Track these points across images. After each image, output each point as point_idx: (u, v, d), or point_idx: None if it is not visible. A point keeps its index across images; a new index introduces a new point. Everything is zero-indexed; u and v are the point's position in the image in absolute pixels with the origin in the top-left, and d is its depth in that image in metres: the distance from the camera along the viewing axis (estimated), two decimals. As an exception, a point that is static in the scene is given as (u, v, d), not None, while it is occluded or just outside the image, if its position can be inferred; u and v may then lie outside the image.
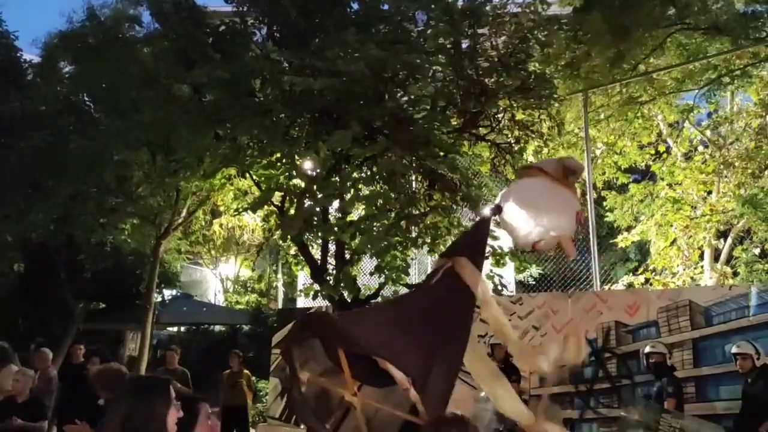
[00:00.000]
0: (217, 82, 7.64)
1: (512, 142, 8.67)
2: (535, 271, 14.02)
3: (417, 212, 7.25)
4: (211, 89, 8.25)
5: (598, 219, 11.66)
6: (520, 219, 3.59)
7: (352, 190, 7.11)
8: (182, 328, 18.56)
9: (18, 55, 11.51)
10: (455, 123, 8.01)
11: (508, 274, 11.67)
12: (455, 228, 7.24)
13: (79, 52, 10.59)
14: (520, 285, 14.69)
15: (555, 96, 8.50)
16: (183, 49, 8.34)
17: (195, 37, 7.99)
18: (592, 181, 11.05)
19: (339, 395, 3.58)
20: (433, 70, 7.13)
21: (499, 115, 8.58)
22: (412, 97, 7.06)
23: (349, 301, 9.18)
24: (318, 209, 7.49)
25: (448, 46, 7.58)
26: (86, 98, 11.20)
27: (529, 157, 9.67)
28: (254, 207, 8.08)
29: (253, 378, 11.82)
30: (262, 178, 8.25)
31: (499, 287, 7.49)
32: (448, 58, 7.73)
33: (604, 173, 12.98)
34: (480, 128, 8.72)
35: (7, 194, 9.61)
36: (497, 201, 3.74)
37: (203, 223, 11.99)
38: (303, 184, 7.44)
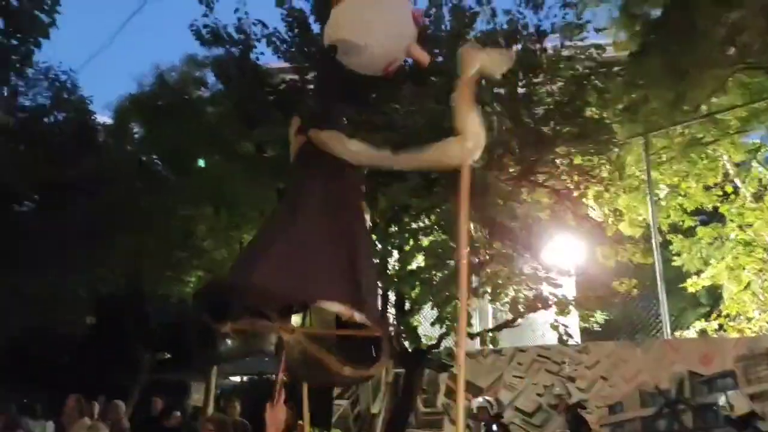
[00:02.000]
0: (278, 140, 7.88)
1: (571, 188, 8.60)
2: (600, 317, 13.64)
3: (477, 261, 7.20)
4: (272, 146, 8.51)
5: (666, 263, 11.30)
6: (358, 48, 3.31)
7: (411, 241, 7.14)
8: (245, 378, 18.68)
9: (92, 118, 12.15)
10: (513, 171, 8.00)
11: (573, 322, 11.37)
12: (516, 276, 7.15)
13: (149, 114, 11.13)
14: (586, 332, 14.28)
15: (614, 140, 8.42)
16: (245, 109, 8.65)
17: (256, 97, 8.29)
18: (657, 224, 10.78)
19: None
20: (489, 120, 7.14)
21: (558, 161, 8.53)
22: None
23: (410, 351, 9.14)
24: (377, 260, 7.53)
25: (504, 94, 7.65)
26: (155, 158, 11.69)
27: (590, 202, 9.53)
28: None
29: (314, 429, 11.76)
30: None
31: (565, 337, 7.30)
32: (504, 107, 7.79)
33: (668, 216, 12.61)
34: (538, 175, 8.69)
35: (79, 250, 10.01)
36: (326, 40, 3.47)
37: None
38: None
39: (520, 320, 8.40)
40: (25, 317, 11.27)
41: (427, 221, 7.46)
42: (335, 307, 2.98)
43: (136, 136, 11.77)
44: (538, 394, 9.80)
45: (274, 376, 15.15)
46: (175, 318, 14.84)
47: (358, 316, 2.98)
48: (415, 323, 8.51)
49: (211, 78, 10.79)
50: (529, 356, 10.14)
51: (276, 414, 3.32)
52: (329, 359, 3.39)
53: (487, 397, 8.09)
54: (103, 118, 12.41)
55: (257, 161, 8.91)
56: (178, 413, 8.64)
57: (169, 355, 15.34)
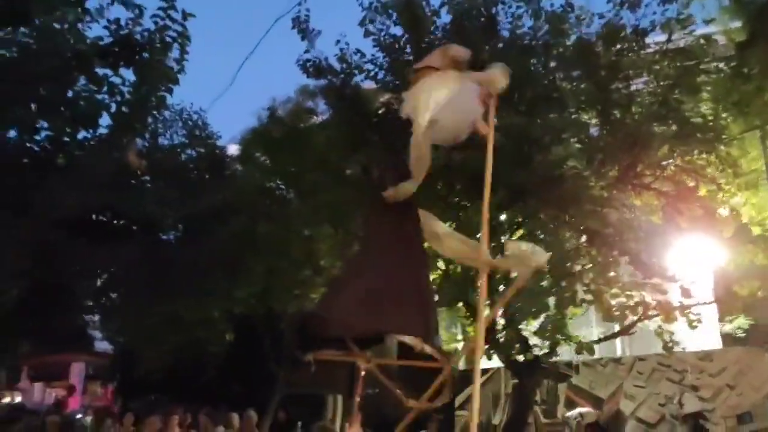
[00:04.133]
0: (378, 162, 8.33)
1: (679, 189, 8.30)
2: (744, 321, 12.77)
3: (576, 270, 7.17)
4: (375, 168, 8.98)
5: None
6: (433, 124, 3.76)
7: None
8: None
9: (221, 152, 13.30)
10: (613, 175, 7.89)
11: (712, 326, 10.76)
12: (615, 284, 7.04)
13: (269, 144, 12.05)
14: (729, 338, 13.41)
15: (723, 137, 8.04)
16: (348, 134, 9.22)
17: (356, 123, 8.78)
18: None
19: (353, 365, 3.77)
20: (578, 128, 7.14)
21: (665, 162, 8.29)
22: (559, 157, 7.11)
23: (522, 361, 9.18)
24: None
25: (597, 100, 7.60)
26: (278, 184, 12.61)
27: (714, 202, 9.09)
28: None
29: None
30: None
31: (670, 344, 7.06)
32: (597, 112, 7.74)
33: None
34: (644, 177, 8.47)
35: (213, 275, 10.97)
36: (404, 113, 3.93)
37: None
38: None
39: (635, 328, 8.23)
40: (176, 339, 12.47)
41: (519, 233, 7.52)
42: (407, 339, 3.38)
43: (261, 165, 12.73)
44: (660, 404, 9.44)
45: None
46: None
47: (429, 349, 3.37)
48: (526, 333, 8.54)
49: (322, 106, 11.51)
50: (649, 365, 9.79)
51: None
52: (396, 390, 3.79)
53: (580, 410, 7.96)
54: (231, 150, 13.57)
55: (363, 183, 9.41)
56: (299, 423, 9.26)
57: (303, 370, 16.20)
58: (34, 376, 28.48)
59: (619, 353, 11.38)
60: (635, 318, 7.26)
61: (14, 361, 22.08)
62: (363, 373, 3.87)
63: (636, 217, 7.89)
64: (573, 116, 7.27)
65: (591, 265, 7.27)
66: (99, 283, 10.22)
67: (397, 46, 8.95)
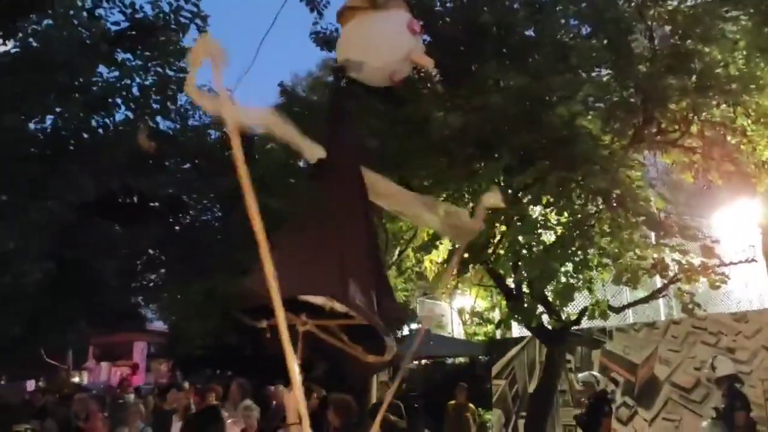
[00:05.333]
0: (392, 132, 8.22)
1: (710, 143, 7.90)
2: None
3: (589, 234, 6.93)
4: (390, 138, 8.85)
5: None
6: (359, 65, 3.58)
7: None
8: (423, 362, 19.35)
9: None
10: (629, 133, 7.56)
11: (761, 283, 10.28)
12: (631, 244, 6.75)
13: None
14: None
15: (752, 86, 7.57)
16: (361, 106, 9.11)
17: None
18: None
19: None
20: (588, 86, 6.83)
21: (691, 116, 7.88)
22: (569, 116, 6.82)
23: (550, 328, 9.00)
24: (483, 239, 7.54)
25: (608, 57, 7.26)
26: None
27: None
28: (424, 248, 8.49)
29: (478, 409, 11.99)
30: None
31: (690, 306, 6.76)
32: (611, 67, 7.41)
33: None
34: (668, 134, 8.09)
35: (245, 250, 11.14)
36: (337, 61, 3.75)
37: (414, 261, 12.62)
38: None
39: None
40: (218, 315, 12.77)
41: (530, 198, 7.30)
42: (317, 300, 3.27)
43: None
44: (696, 368, 9.12)
45: (449, 359, 15.62)
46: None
47: (339, 306, 3.25)
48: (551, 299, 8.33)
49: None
50: (684, 328, 9.45)
51: (292, 398, 3.67)
52: (355, 348, 3.69)
53: (593, 372, 7.77)
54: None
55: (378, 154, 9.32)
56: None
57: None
58: (100, 356, 29.92)
59: (663, 318, 11.02)
60: (665, 281, 6.97)
61: (79, 342, 23.09)
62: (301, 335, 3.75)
63: (658, 176, 7.57)
64: (582, 74, 6.96)
65: (608, 228, 7.00)
66: (139, 264, 10.51)
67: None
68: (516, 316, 8.80)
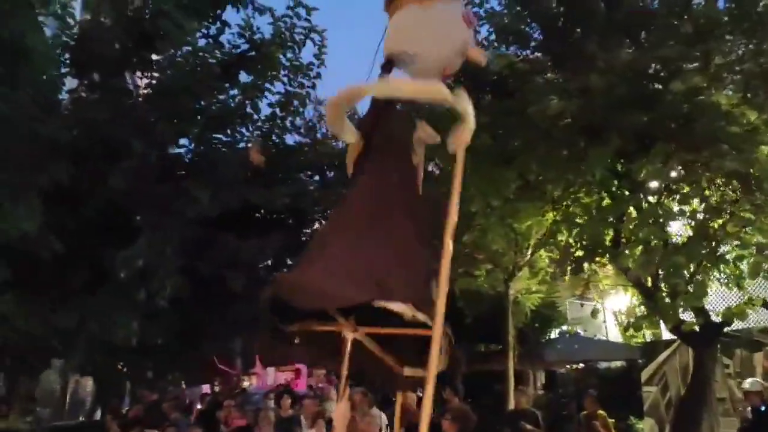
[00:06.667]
0: (500, 125, 7.84)
1: None
2: None
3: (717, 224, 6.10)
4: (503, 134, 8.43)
5: None
6: (411, 58, 3.34)
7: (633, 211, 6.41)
8: (576, 366, 18.37)
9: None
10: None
11: None
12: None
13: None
14: None
15: None
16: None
17: (477, 81, 8.28)
18: None
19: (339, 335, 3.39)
20: (699, 53, 6.02)
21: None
22: (686, 91, 6.04)
23: (697, 329, 8.07)
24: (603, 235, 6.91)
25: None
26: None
27: None
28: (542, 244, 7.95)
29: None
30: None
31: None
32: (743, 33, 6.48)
33: None
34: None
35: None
36: (383, 54, 3.44)
37: (547, 261, 11.95)
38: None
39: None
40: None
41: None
42: (397, 306, 3.02)
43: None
44: None
45: (600, 364, 14.77)
46: (491, 311, 15.43)
47: (422, 317, 3.00)
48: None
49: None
50: None
51: (341, 410, 3.49)
52: (389, 359, 3.45)
53: (757, 379, 6.71)
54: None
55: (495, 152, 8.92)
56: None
57: (484, 348, 16.00)
58: (266, 362, 31.73)
59: None
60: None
61: (249, 351, 24.65)
62: (350, 343, 3.51)
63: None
64: (696, 44, 6.12)
65: (747, 216, 6.11)
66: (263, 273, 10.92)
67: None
68: (656, 318, 8.03)
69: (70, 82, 9.56)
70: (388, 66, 3.56)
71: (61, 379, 16.94)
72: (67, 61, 9.33)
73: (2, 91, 7.23)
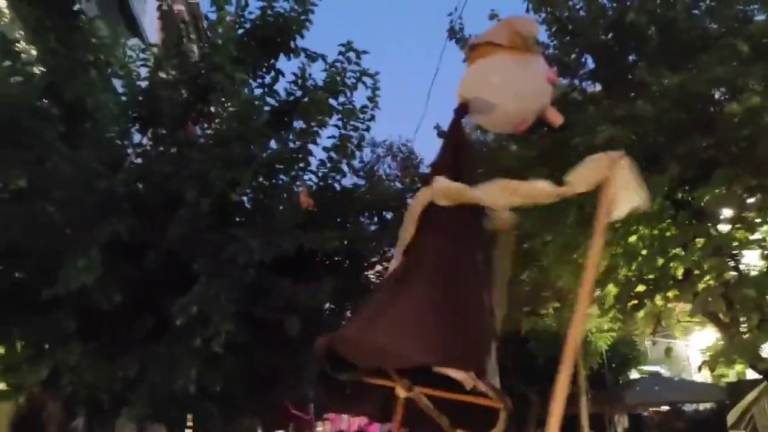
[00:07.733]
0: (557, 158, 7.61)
1: None
2: None
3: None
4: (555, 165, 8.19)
5: None
6: (489, 106, 3.30)
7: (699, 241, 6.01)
8: (658, 409, 17.35)
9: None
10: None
11: None
12: None
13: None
14: None
15: None
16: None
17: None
18: None
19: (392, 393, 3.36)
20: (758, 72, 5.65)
21: None
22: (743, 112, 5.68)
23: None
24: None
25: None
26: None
27: None
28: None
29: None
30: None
31: None
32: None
33: None
34: None
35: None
36: (458, 96, 3.37)
37: (613, 300, 11.36)
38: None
39: None
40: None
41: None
42: (458, 374, 2.97)
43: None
44: None
45: (688, 406, 13.99)
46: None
47: (483, 387, 2.96)
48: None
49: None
50: None
51: None
52: (442, 420, 3.35)
53: None
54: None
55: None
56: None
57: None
58: (326, 409, 31.63)
59: None
60: None
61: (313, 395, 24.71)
62: (402, 401, 3.43)
63: None
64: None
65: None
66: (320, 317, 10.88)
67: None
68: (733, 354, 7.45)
69: (136, 137, 10.01)
70: (462, 111, 3.50)
71: (136, 427, 17.29)
72: (134, 117, 9.80)
73: (65, 151, 7.59)
